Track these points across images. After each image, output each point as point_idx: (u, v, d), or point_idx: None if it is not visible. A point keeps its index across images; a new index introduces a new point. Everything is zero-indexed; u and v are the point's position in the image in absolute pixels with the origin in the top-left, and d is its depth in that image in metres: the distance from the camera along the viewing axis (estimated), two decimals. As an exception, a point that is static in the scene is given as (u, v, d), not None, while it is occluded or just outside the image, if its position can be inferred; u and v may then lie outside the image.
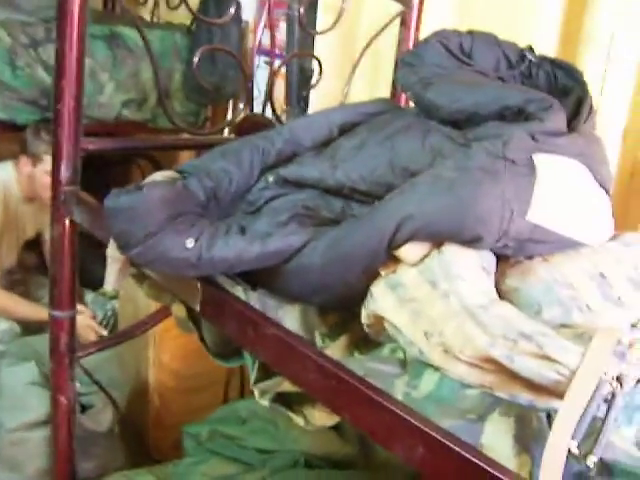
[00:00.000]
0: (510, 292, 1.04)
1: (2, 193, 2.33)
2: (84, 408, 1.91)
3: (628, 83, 1.62)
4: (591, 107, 1.20)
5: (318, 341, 1.20)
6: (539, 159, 1.03)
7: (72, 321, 1.60)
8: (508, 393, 0.95)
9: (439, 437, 0.87)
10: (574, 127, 1.15)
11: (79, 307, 2.24)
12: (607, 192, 1.15)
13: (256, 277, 1.19)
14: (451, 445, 0.86)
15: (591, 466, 0.85)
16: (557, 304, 1.01)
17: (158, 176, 1.32)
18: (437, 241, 1.03)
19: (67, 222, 1.54)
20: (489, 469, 0.83)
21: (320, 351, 1.06)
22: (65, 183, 1.53)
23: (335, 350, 1.17)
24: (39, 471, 1.81)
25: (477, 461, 0.84)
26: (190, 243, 1.12)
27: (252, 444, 1.72)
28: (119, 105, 2.24)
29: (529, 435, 0.91)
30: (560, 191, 1.04)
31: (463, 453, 0.85)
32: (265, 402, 1.13)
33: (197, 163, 1.29)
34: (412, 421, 0.89)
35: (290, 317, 1.19)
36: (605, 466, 0.89)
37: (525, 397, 0.95)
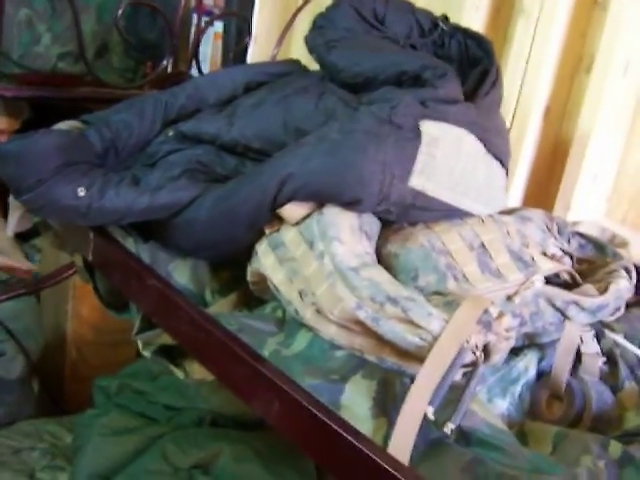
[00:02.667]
0: (390, 257, 1.05)
1: None
2: (-1, 355, 1.90)
3: (551, 59, 1.61)
4: (496, 79, 1.19)
5: (208, 296, 1.19)
6: (426, 125, 1.02)
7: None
8: (377, 356, 0.96)
9: (295, 395, 0.87)
10: (475, 97, 1.15)
11: None
12: (503, 164, 1.15)
13: (149, 230, 1.18)
14: (304, 403, 0.86)
15: (448, 433, 0.85)
16: (433, 271, 1.02)
17: (63, 124, 1.30)
18: (319, 202, 1.03)
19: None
20: (339, 430, 0.83)
21: (194, 304, 1.05)
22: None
23: (223, 306, 1.17)
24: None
25: (328, 421, 0.84)
26: (81, 192, 1.11)
27: (161, 400, 1.71)
28: (55, 57, 2.19)
29: (390, 399, 0.92)
30: (445, 158, 1.03)
31: (315, 412, 0.85)
32: (147, 353, 1.13)
33: (101, 114, 1.28)
34: (270, 377, 0.89)
35: (180, 271, 1.19)
36: (463, 434, 0.90)
37: (393, 361, 0.95)
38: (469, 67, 1.25)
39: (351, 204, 1.00)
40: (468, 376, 0.90)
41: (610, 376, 1.09)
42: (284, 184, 1.01)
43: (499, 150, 1.12)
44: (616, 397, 1.06)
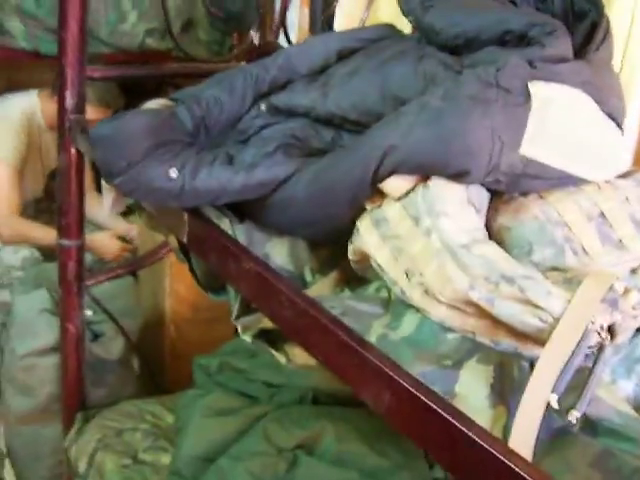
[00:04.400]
0: (501, 231, 0.98)
1: (26, 121, 2.32)
2: (97, 336, 1.90)
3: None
4: (607, 33, 1.10)
5: (307, 276, 1.15)
6: (536, 87, 0.95)
7: (80, 250, 1.59)
8: (491, 338, 0.90)
9: (405, 384, 0.81)
10: (585, 54, 1.06)
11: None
12: (619, 125, 1.06)
13: (244, 209, 1.14)
14: (417, 393, 0.80)
15: (573, 422, 0.79)
16: (549, 245, 0.94)
17: (152, 104, 1.27)
18: (423, 175, 0.96)
19: (73, 151, 1.51)
20: (455, 422, 0.77)
21: (297, 288, 1.01)
22: (70, 111, 1.49)
23: (324, 286, 1.13)
24: (51, 396, 1.82)
25: (443, 413, 0.78)
26: (174, 173, 1.08)
27: (260, 377, 1.69)
28: (142, 34, 2.18)
29: (508, 385, 0.86)
30: (558, 122, 0.96)
31: (429, 403, 0.79)
32: (248, 338, 1.09)
33: (190, 91, 1.24)
34: (380, 366, 0.84)
35: (278, 251, 1.15)
36: (590, 423, 0.83)
37: (509, 343, 0.89)
38: (575, 22, 1.15)
39: (458, 176, 0.94)
40: (593, 359, 0.83)
41: None
42: (385, 157, 0.95)
43: (614, 110, 1.03)
44: None
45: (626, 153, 1.08)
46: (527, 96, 0.94)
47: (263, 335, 1.11)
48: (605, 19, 1.11)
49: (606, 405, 0.85)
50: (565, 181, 0.99)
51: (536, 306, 0.83)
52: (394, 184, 0.97)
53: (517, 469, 0.70)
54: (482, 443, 0.74)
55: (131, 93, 2.37)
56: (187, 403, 1.62)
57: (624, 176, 1.12)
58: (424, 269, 0.91)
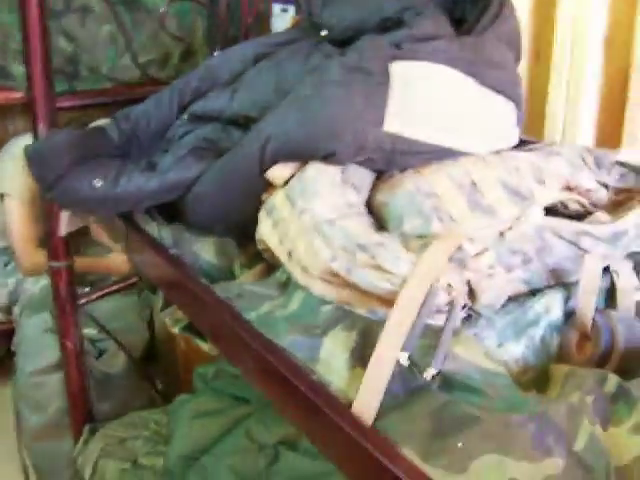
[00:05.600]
0: (380, 207, 1.02)
1: None
2: (101, 353, 2.01)
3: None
4: (498, 13, 1.13)
5: (236, 270, 1.21)
6: (396, 67, 0.99)
7: (69, 270, 1.68)
8: (366, 308, 0.94)
9: (264, 354, 0.87)
10: (473, 30, 1.10)
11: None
12: (512, 98, 1.10)
13: (173, 212, 1.22)
14: (273, 362, 0.85)
15: (428, 379, 0.82)
16: (417, 215, 0.98)
17: (97, 122, 1.37)
18: (300, 160, 1.02)
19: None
20: (301, 387, 0.82)
21: (195, 277, 1.07)
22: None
23: (248, 278, 1.19)
24: (60, 410, 1.92)
25: (292, 378, 0.83)
26: (98, 183, 1.16)
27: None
28: (142, 66, 2.29)
29: (370, 349, 0.89)
30: (421, 98, 1.00)
31: (282, 370, 0.84)
32: (176, 330, 1.16)
33: (126, 109, 1.33)
34: (245, 338, 0.90)
35: (207, 249, 1.21)
36: (447, 380, 0.86)
37: (383, 311, 0.93)
38: (471, 3, 1.19)
39: (327, 157, 0.99)
40: (446, 317, 0.87)
41: (650, 311, 1.00)
42: (265, 147, 1.02)
43: (499, 83, 1.07)
44: (658, 333, 0.98)
45: (514, 126, 1.10)
46: (387, 75, 0.99)
47: (190, 327, 1.17)
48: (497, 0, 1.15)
49: (465, 362, 0.88)
50: (441, 154, 1.03)
51: (386, 270, 0.87)
52: (277, 172, 1.03)
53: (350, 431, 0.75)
54: (322, 406, 0.79)
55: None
56: (177, 407, 1.70)
57: (537, 149, 1.15)
58: (299, 247, 0.97)
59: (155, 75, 2.30)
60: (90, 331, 1.93)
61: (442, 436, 0.74)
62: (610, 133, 1.57)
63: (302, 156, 1.00)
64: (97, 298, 1.79)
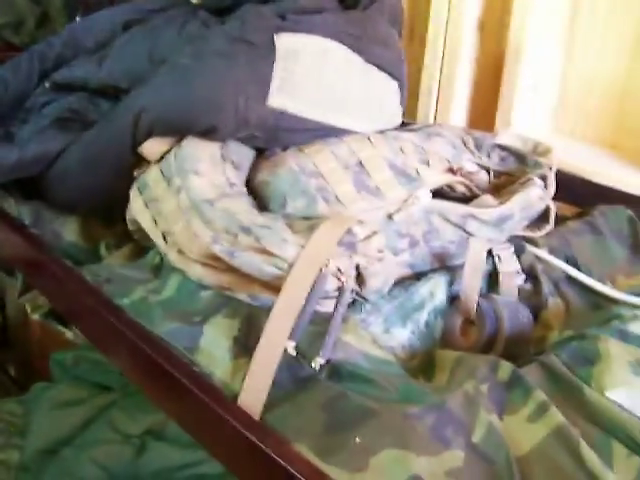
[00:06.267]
0: (261, 186, 0.97)
1: None
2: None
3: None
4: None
5: (102, 251, 1.13)
6: (282, 39, 0.94)
7: None
8: (247, 293, 0.89)
9: (140, 343, 0.80)
10: (357, 6, 1.06)
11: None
12: (394, 77, 1.06)
13: (32, 189, 1.12)
14: (149, 351, 0.79)
15: (317, 368, 0.78)
16: (302, 195, 0.93)
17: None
18: (178, 135, 0.95)
19: None
20: (182, 379, 0.76)
21: (57, 258, 0.99)
22: None
23: (117, 259, 1.11)
24: None
25: (171, 370, 0.77)
26: None
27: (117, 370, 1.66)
28: (-3, 28, 2.14)
29: (254, 337, 0.84)
30: (306, 73, 0.95)
31: (159, 361, 0.78)
32: (36, 317, 1.08)
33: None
34: (119, 327, 0.82)
35: (69, 228, 1.13)
36: (335, 369, 0.81)
37: (265, 297, 0.88)
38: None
39: (208, 132, 0.93)
40: (335, 304, 0.82)
41: (532, 294, 0.99)
42: (139, 119, 0.94)
43: (384, 61, 1.04)
44: (540, 316, 0.97)
45: (398, 105, 1.07)
46: (271, 48, 0.93)
47: (53, 314, 1.09)
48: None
49: (354, 350, 0.84)
50: (325, 133, 0.99)
51: (271, 254, 0.83)
52: (150, 147, 0.96)
53: (236, 424, 0.70)
54: (205, 398, 0.73)
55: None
56: (34, 396, 1.59)
57: (417, 129, 1.13)
58: (174, 228, 0.90)
59: (10, 39, 2.15)
60: None
61: (337, 431, 0.70)
62: (483, 115, 1.57)
63: (179, 130, 0.94)
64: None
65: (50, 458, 1.47)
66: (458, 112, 1.59)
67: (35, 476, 1.45)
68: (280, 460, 0.65)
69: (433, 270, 1.00)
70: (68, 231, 1.12)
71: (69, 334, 1.07)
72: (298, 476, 0.63)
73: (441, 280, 0.98)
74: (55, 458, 1.46)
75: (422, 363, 0.91)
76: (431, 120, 1.60)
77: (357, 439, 0.68)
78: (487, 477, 0.68)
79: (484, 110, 1.57)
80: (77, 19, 1.74)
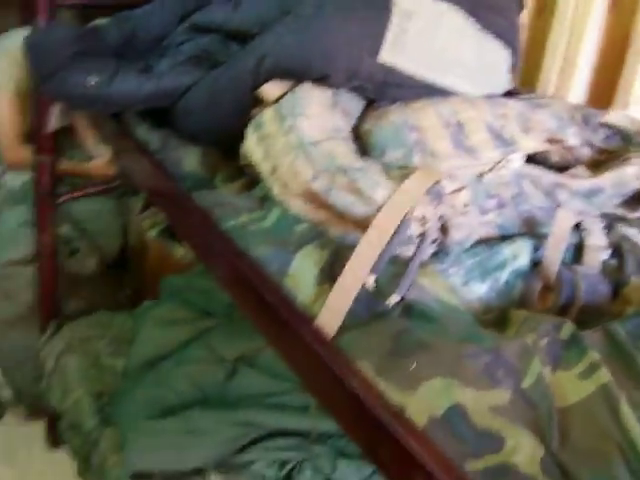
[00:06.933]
0: (365, 134, 1.04)
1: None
2: (73, 252, 2.02)
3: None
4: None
5: (218, 182, 1.23)
6: (399, -1, 1.00)
7: (53, 165, 1.69)
8: (340, 231, 0.96)
9: (236, 261, 0.89)
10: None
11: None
12: (509, 44, 1.11)
13: (163, 117, 1.22)
14: (243, 269, 0.88)
15: (390, 304, 0.85)
16: (400, 146, 1.00)
17: (97, 22, 1.36)
18: (294, 80, 1.03)
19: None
20: (268, 296, 0.85)
21: (179, 185, 1.09)
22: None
23: (229, 190, 1.20)
24: (28, 303, 1.93)
25: (259, 288, 0.86)
26: (92, 81, 1.16)
27: (223, 299, 1.77)
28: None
29: (339, 269, 0.92)
30: (421, 34, 1.01)
31: (251, 279, 0.87)
32: (153, 234, 1.18)
33: (127, 12, 1.32)
34: (219, 245, 0.92)
35: (190, 157, 1.22)
36: (407, 307, 0.88)
37: (354, 235, 0.95)
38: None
39: (320, 79, 1.00)
40: (415, 248, 0.89)
41: (616, 270, 1.03)
42: (260, 64, 1.03)
43: (499, 28, 1.08)
44: (621, 292, 1.01)
45: (507, 72, 1.11)
46: (389, 5, 0.99)
47: (167, 232, 1.19)
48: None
49: (428, 293, 0.91)
50: (431, 92, 1.04)
51: (363, 195, 0.90)
52: (269, 89, 1.05)
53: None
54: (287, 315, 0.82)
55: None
56: (142, 312, 1.72)
57: (527, 98, 1.17)
58: (281, 163, 0.98)
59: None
60: (64, 230, 1.93)
61: (397, 356, 0.78)
62: (602, 94, 1.58)
63: (296, 75, 1.02)
64: (77, 197, 1.80)
65: (149, 369, 1.61)
66: (578, 88, 1.60)
67: (134, 383, 1.58)
68: (342, 374, 0.73)
69: (520, 234, 1.04)
70: (189, 159, 1.22)
71: (180, 251, 1.17)
72: (357, 390, 0.71)
73: (526, 244, 1.02)
74: (154, 370, 1.59)
75: (496, 318, 0.96)
76: (550, 92, 1.61)
77: (414, 365, 0.75)
78: (528, 419, 0.73)
79: (604, 89, 1.57)
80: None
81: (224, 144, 1.18)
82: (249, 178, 1.21)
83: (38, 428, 2.05)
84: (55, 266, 1.79)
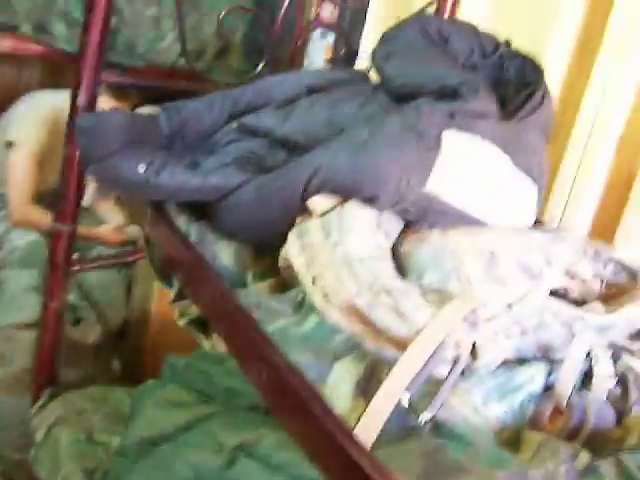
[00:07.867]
0: (404, 256, 1.11)
1: (54, 116, 2.37)
2: (77, 321, 2.05)
3: (630, 90, 1.62)
4: (540, 103, 1.24)
5: (249, 279, 1.28)
6: (448, 136, 1.08)
7: (71, 235, 1.73)
8: (375, 345, 1.02)
9: (280, 366, 0.94)
10: (516, 115, 1.20)
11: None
12: (537, 182, 1.20)
13: (202, 211, 1.28)
14: (286, 374, 0.93)
15: (422, 422, 0.91)
16: (438, 271, 1.07)
17: (144, 109, 1.44)
18: (343, 196, 1.10)
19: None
20: (308, 401, 0.90)
21: (220, 279, 1.15)
22: (81, 109, 1.64)
23: (260, 289, 1.26)
24: (24, 369, 1.95)
25: (302, 392, 0.91)
26: (141, 168, 1.23)
27: (223, 383, 1.79)
28: (176, 53, 2.35)
29: (375, 385, 0.97)
30: (464, 169, 1.09)
31: (294, 385, 0.92)
32: (182, 322, 1.23)
33: (178, 102, 1.40)
34: (262, 348, 0.97)
35: (225, 252, 1.28)
36: (437, 425, 0.94)
37: (390, 352, 1.01)
38: (524, 89, 1.29)
39: (369, 200, 1.08)
40: (449, 370, 0.95)
41: (620, 399, 1.10)
42: (313, 176, 1.10)
43: (529, 167, 1.17)
44: (622, 420, 1.07)
45: (534, 207, 1.20)
46: (438, 142, 1.08)
47: (196, 323, 1.24)
48: (542, 91, 1.25)
49: (457, 412, 0.97)
50: (468, 220, 1.12)
51: (405, 317, 0.96)
52: (318, 202, 1.12)
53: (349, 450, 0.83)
54: (326, 423, 0.87)
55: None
56: (144, 391, 1.75)
57: (548, 231, 1.25)
58: (326, 275, 1.05)
59: (191, 63, 2.35)
60: (72, 298, 1.97)
61: (432, 477, 0.83)
62: (606, 226, 1.68)
63: (346, 193, 1.09)
64: (91, 268, 1.84)
65: (148, 450, 1.62)
66: (584, 218, 1.70)
67: (131, 463, 1.60)
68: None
69: (535, 358, 1.11)
70: (224, 254, 1.27)
71: (207, 344, 1.21)
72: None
73: (541, 368, 1.09)
74: (153, 451, 1.61)
75: (510, 438, 1.03)
76: (556, 222, 1.71)
77: (452, 487, 0.81)
78: None
79: (609, 220, 1.67)
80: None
81: (261, 243, 1.25)
82: (281, 278, 1.27)
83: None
84: (58, 334, 1.81)
